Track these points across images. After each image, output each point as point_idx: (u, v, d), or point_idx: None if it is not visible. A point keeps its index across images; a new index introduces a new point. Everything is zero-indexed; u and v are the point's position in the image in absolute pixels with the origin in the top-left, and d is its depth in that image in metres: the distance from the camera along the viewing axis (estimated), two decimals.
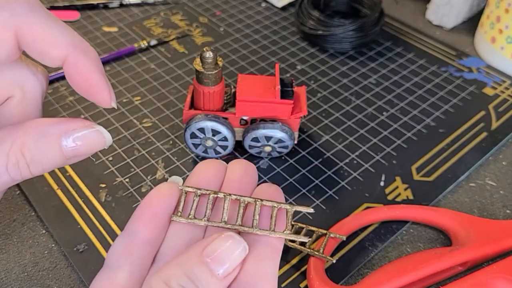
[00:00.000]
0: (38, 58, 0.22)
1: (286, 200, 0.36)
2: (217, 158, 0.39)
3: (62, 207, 0.35)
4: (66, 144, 0.22)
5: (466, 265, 0.31)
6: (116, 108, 0.28)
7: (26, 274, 0.32)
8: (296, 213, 0.34)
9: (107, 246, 0.33)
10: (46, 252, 0.33)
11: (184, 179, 0.37)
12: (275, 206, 0.22)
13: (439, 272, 0.31)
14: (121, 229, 0.33)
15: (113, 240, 0.33)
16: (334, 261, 0.21)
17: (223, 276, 0.20)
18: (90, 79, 0.23)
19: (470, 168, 0.38)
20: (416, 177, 0.38)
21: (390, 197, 0.36)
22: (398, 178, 0.37)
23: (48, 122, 0.23)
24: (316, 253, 0.30)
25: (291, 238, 0.22)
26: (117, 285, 0.21)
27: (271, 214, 0.22)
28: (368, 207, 0.35)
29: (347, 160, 0.39)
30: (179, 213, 0.23)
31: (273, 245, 0.22)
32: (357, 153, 0.39)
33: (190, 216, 0.23)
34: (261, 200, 0.22)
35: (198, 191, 0.23)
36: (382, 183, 0.37)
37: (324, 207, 0.35)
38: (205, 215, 0.23)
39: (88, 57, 0.23)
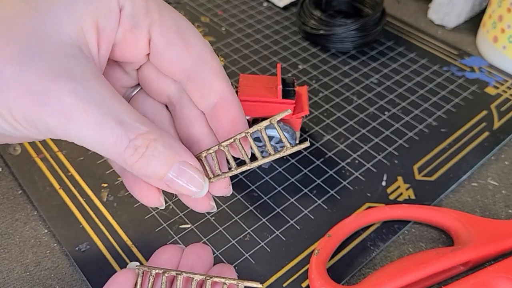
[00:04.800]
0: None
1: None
2: None
3: (64, 207, 0.35)
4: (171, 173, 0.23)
5: (468, 265, 0.31)
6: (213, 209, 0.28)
7: (28, 273, 0.32)
8: None
9: (109, 246, 0.33)
10: (48, 251, 0.33)
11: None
12: (225, 283, 0.23)
13: (441, 272, 0.31)
14: (123, 228, 0.34)
15: (115, 240, 0.33)
16: None
17: None
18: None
19: (472, 168, 0.38)
20: (418, 176, 0.38)
21: (392, 197, 0.36)
22: (400, 178, 0.37)
23: (178, 142, 0.24)
24: None
25: None
26: None
27: None
28: (369, 207, 0.35)
29: (348, 160, 0.39)
30: None
31: None
32: (358, 153, 0.39)
33: None
34: (211, 276, 0.23)
35: (153, 271, 0.24)
36: (383, 183, 0.37)
37: (325, 207, 0.35)
38: None
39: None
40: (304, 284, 0.31)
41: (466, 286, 0.29)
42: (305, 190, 0.36)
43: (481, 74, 0.47)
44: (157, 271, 0.24)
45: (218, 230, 0.34)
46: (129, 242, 0.33)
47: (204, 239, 0.33)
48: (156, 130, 0.23)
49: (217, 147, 0.25)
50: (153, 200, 0.25)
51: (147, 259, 0.32)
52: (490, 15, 0.48)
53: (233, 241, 0.33)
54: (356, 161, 0.39)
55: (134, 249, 0.32)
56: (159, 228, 0.34)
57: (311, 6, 0.51)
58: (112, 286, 0.24)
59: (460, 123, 0.42)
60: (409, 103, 0.44)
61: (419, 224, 0.35)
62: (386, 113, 0.43)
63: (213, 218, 0.34)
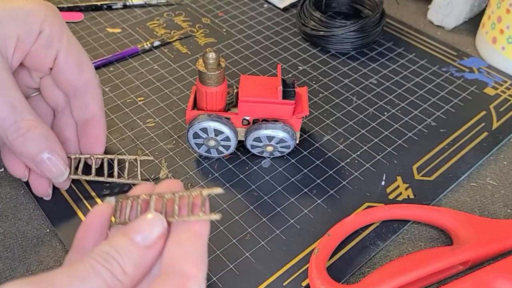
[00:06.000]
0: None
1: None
2: (219, 158, 0.39)
3: (66, 206, 0.35)
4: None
5: (467, 264, 0.32)
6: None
7: (30, 272, 0.32)
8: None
9: None
10: (50, 251, 0.33)
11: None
12: (190, 194, 0.24)
13: (440, 271, 0.31)
14: None
15: None
16: (219, 218, 0.24)
17: (144, 245, 0.23)
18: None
19: (471, 168, 0.38)
20: (417, 176, 0.38)
21: (391, 197, 0.36)
22: (399, 178, 0.38)
23: (54, 135, 0.32)
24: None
25: (205, 219, 0.24)
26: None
27: (188, 202, 0.24)
28: (369, 207, 0.36)
29: (348, 160, 0.39)
30: (117, 220, 0.26)
31: (193, 229, 0.24)
32: (358, 153, 0.40)
33: (125, 220, 0.25)
34: (178, 192, 0.25)
35: (130, 198, 0.26)
36: (383, 183, 0.37)
37: (325, 206, 0.36)
38: (136, 216, 0.25)
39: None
40: (304, 283, 0.31)
41: (465, 286, 0.29)
42: (305, 190, 0.37)
43: (480, 75, 0.47)
44: (132, 197, 0.26)
45: (219, 230, 0.34)
46: None
47: None
48: (39, 121, 0.31)
49: (88, 155, 0.35)
50: (20, 172, 0.34)
51: None
52: (489, 16, 0.48)
53: (234, 240, 0.33)
54: (356, 161, 0.39)
55: None
56: None
57: (311, 7, 0.51)
58: (91, 216, 0.26)
59: (459, 123, 0.42)
60: (408, 103, 0.44)
61: (418, 224, 0.35)
62: (385, 113, 0.43)
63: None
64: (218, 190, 0.24)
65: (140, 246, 0.23)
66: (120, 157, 0.36)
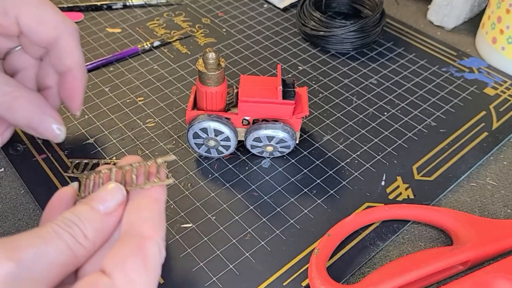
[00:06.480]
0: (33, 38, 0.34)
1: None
2: (219, 158, 0.39)
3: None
4: None
5: (467, 264, 0.32)
6: (78, 115, 0.38)
7: None
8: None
9: None
10: None
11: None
12: (146, 164, 0.27)
13: (440, 271, 0.31)
14: None
15: None
16: (172, 182, 0.25)
17: (105, 212, 0.25)
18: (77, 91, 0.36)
19: (471, 168, 0.38)
20: (417, 176, 0.38)
21: (391, 197, 0.36)
22: (399, 178, 0.38)
23: (42, 99, 0.34)
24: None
25: (159, 184, 0.26)
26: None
27: (144, 171, 0.26)
28: (369, 207, 0.36)
29: (348, 160, 0.39)
30: (82, 195, 0.27)
31: (150, 195, 0.26)
32: (358, 153, 0.40)
33: (89, 194, 0.27)
34: (135, 163, 0.27)
35: (93, 174, 0.28)
36: (383, 183, 0.37)
37: (325, 206, 0.36)
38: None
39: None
40: (304, 283, 0.31)
41: (464, 286, 0.29)
42: (305, 190, 0.37)
43: (480, 75, 0.47)
44: (95, 174, 0.28)
45: (219, 230, 0.34)
46: None
47: (205, 238, 0.33)
48: (20, 89, 0.32)
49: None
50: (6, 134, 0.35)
51: None
52: (489, 16, 0.48)
53: (234, 240, 0.33)
54: (356, 161, 0.39)
55: None
56: None
57: (311, 7, 0.51)
58: (56, 197, 0.27)
59: (459, 123, 0.42)
60: (408, 103, 0.44)
61: (418, 224, 0.35)
62: (385, 113, 0.43)
63: (214, 217, 0.35)
64: (171, 157, 0.27)
65: (101, 213, 0.25)
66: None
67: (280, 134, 0.36)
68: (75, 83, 0.36)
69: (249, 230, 0.34)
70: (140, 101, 0.44)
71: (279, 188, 0.37)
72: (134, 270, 0.22)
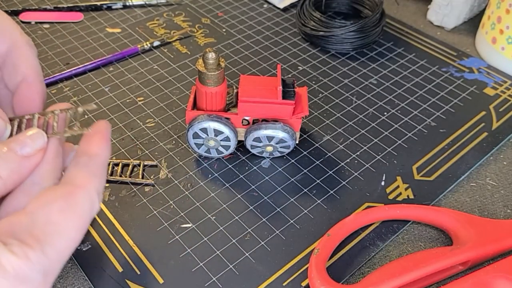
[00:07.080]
0: None
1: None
2: (219, 158, 0.39)
3: None
4: None
5: (467, 265, 0.32)
6: None
7: None
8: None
9: (110, 245, 0.33)
10: None
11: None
12: (67, 111, 0.27)
13: (440, 271, 0.31)
14: (124, 228, 0.34)
15: (116, 239, 0.33)
16: (89, 130, 0.26)
17: (22, 155, 0.25)
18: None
19: (470, 168, 0.38)
20: (417, 176, 0.38)
21: (391, 197, 0.36)
22: (399, 178, 0.38)
23: None
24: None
25: (79, 133, 0.26)
26: None
27: (65, 119, 0.27)
28: (369, 207, 0.36)
29: (348, 160, 0.39)
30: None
31: (91, 150, 0.26)
32: (358, 153, 0.40)
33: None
34: (57, 111, 0.27)
35: (16, 119, 0.28)
36: (383, 183, 0.37)
37: (325, 207, 0.36)
38: None
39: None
40: (304, 283, 0.31)
41: (464, 286, 0.29)
42: (305, 190, 0.37)
43: (479, 75, 0.47)
44: (18, 119, 0.28)
45: (219, 230, 0.34)
46: (130, 242, 0.33)
47: (205, 238, 0.33)
48: None
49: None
50: None
51: (148, 259, 0.32)
52: (489, 16, 0.48)
53: (234, 240, 0.33)
54: (356, 161, 0.39)
55: (136, 249, 0.33)
56: (160, 228, 0.34)
57: (310, 7, 0.51)
58: None
59: (459, 123, 0.42)
60: (408, 103, 0.44)
61: (418, 224, 0.35)
62: (385, 113, 0.43)
63: (214, 217, 0.35)
64: (92, 106, 0.27)
65: (18, 155, 0.25)
66: (125, 161, 0.37)
67: (280, 134, 0.36)
68: (32, 92, 0.31)
69: (249, 230, 0.34)
70: (140, 101, 0.44)
71: (279, 188, 0.37)
72: (57, 213, 0.22)
